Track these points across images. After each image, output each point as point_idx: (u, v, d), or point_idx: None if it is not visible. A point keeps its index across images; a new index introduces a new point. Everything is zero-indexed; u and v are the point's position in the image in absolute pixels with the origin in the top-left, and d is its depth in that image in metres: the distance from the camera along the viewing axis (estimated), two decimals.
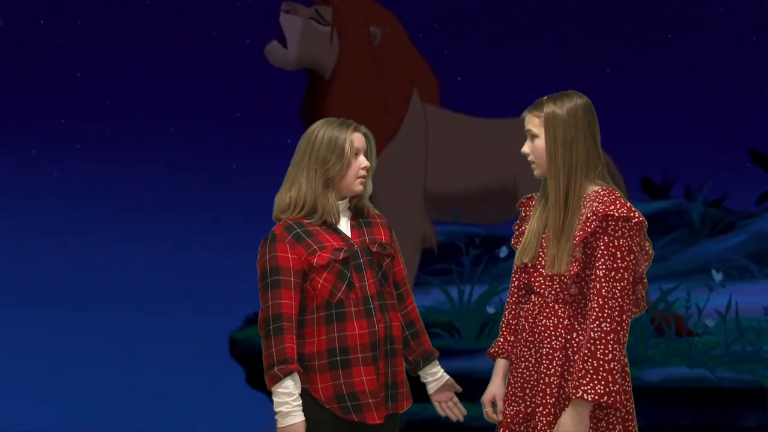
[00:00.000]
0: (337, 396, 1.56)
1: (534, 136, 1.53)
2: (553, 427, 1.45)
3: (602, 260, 1.43)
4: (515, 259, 1.60)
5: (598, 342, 1.42)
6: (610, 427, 1.49)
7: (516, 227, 1.68)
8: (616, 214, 1.44)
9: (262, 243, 1.60)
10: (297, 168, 1.64)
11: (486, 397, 1.60)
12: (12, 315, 3.74)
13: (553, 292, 1.54)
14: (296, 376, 1.51)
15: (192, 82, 4.02)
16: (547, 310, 1.55)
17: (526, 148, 1.56)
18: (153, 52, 3.97)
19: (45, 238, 3.91)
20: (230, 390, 3.81)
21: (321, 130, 1.65)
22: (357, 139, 1.63)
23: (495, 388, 1.60)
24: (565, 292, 1.52)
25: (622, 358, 1.44)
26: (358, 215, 1.70)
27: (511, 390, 1.57)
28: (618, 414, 1.49)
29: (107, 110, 4.01)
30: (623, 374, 1.46)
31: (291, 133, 3.14)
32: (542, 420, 1.49)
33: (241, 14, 4.08)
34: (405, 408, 1.67)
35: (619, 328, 1.43)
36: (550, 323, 1.53)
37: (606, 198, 1.47)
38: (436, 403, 1.72)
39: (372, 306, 1.60)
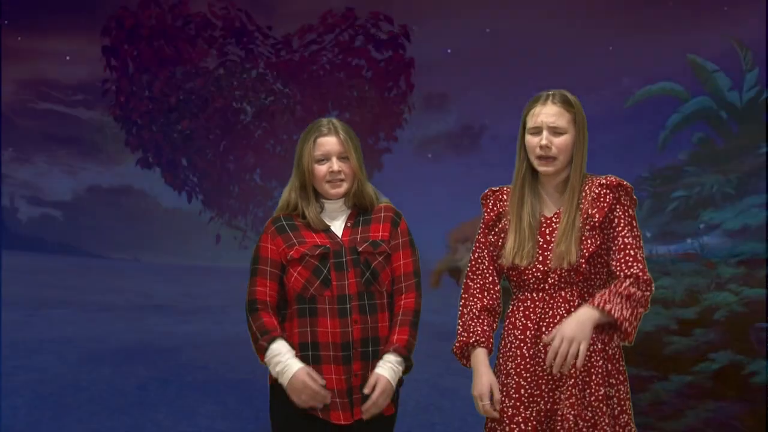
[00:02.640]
0: None
1: (561, 133, 1.50)
2: (580, 422, 1.45)
3: (626, 228, 1.50)
4: (505, 259, 1.53)
5: (635, 294, 1.45)
6: (621, 402, 1.52)
7: (490, 223, 1.60)
8: (625, 184, 1.52)
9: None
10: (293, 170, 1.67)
11: (483, 389, 1.51)
12: None
13: (559, 281, 1.53)
14: (280, 340, 1.55)
15: None
16: (553, 301, 1.53)
17: (547, 141, 1.49)
18: None
19: None
20: None
21: (304, 132, 1.66)
22: (323, 144, 1.60)
23: (489, 377, 1.52)
24: (573, 276, 1.51)
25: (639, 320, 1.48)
26: (360, 212, 1.67)
27: (525, 391, 1.50)
28: (625, 387, 1.53)
29: None
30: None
31: None
32: (569, 414, 1.46)
33: None
34: (390, 413, 1.63)
35: (649, 293, 1.48)
36: (562, 311, 1.51)
37: (599, 176, 1.55)
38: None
39: (348, 306, 1.56)
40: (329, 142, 1.60)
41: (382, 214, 1.67)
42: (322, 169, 1.60)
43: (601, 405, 1.47)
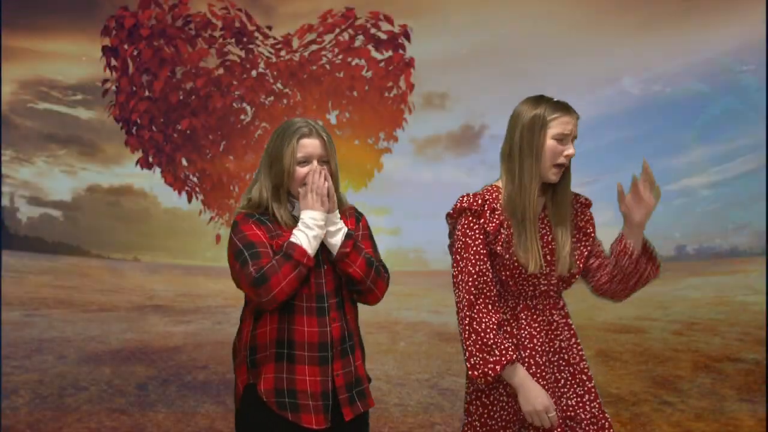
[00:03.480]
0: (276, 390, 1.49)
1: (574, 139, 1.53)
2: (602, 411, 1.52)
3: (594, 237, 1.61)
4: (529, 266, 1.48)
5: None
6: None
7: (494, 233, 1.52)
8: (591, 202, 1.64)
9: (229, 237, 1.54)
10: (258, 168, 1.61)
11: (547, 401, 1.43)
12: None
13: (557, 289, 1.57)
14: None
15: None
16: (555, 309, 1.56)
17: (573, 151, 1.50)
18: None
19: None
20: None
21: (277, 132, 1.58)
22: (306, 146, 1.54)
23: (542, 390, 1.45)
24: (566, 283, 1.57)
25: None
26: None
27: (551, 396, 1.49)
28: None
29: None
30: None
31: None
32: (588, 406, 1.51)
33: None
34: (372, 405, 1.57)
35: None
36: (560, 318, 1.56)
37: (575, 194, 1.62)
38: None
39: (326, 304, 1.52)
40: (312, 144, 1.54)
41: (347, 213, 1.65)
42: (302, 171, 1.54)
43: (593, 391, 1.56)
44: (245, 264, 1.46)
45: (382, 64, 4.66)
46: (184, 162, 4.68)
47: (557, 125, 1.48)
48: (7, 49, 4.98)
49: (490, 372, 1.42)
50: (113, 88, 4.71)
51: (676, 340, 6.25)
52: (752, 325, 7.18)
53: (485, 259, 1.49)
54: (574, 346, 1.55)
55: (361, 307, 1.67)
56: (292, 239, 1.48)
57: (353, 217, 1.66)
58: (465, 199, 1.54)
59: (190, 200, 4.87)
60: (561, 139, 1.48)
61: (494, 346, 1.43)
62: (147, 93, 4.56)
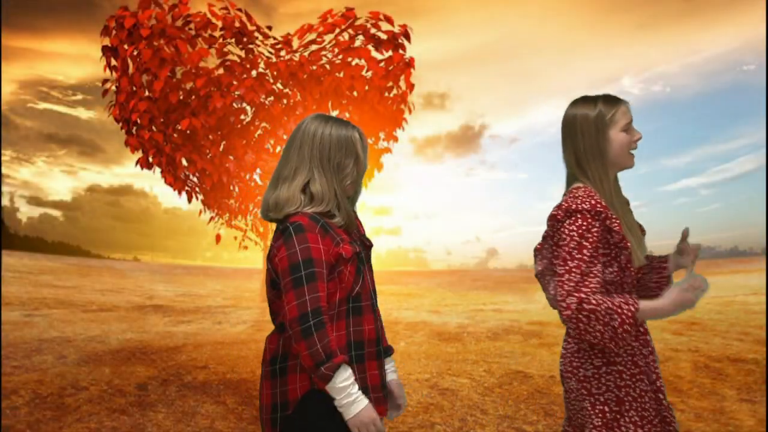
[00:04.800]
0: (361, 389, 1.53)
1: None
2: None
3: None
4: (637, 261, 1.55)
5: None
6: None
7: (607, 237, 1.53)
8: None
9: (283, 234, 1.49)
10: (301, 164, 1.56)
11: (694, 281, 1.47)
12: None
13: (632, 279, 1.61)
14: (344, 366, 1.44)
15: None
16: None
17: (640, 134, 1.59)
18: None
19: None
20: None
21: (326, 127, 1.57)
22: (362, 139, 1.61)
23: (673, 296, 1.48)
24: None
25: None
26: None
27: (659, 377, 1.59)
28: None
29: None
30: None
31: None
32: None
33: None
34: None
35: None
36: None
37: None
38: None
39: (373, 300, 1.61)
40: (364, 138, 1.63)
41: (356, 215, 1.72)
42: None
43: None
44: (308, 281, 1.44)
45: (382, 64, 4.66)
46: (184, 162, 4.68)
47: (622, 117, 1.57)
48: (7, 49, 4.99)
49: (627, 325, 1.41)
50: (113, 88, 4.70)
51: (676, 340, 6.25)
52: (752, 325, 7.20)
53: (597, 261, 1.48)
54: (650, 340, 1.62)
55: None
56: (340, 381, 1.44)
57: (360, 224, 1.72)
58: (579, 200, 1.52)
59: (190, 200, 4.87)
60: (627, 129, 1.57)
61: (618, 304, 1.43)
62: (147, 93, 4.56)
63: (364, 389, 1.53)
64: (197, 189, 4.86)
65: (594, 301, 1.42)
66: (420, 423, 3.70)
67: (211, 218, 4.96)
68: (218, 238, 5.03)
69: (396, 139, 4.91)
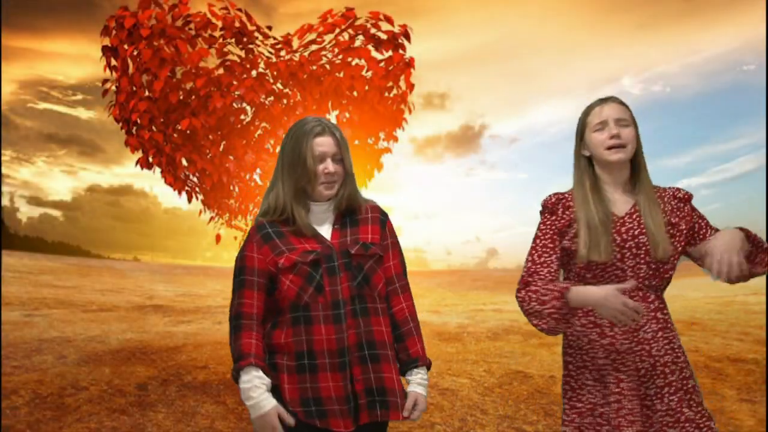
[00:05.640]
0: (302, 400, 1.52)
1: (627, 125, 1.64)
2: (692, 413, 1.57)
3: (708, 227, 1.65)
4: (580, 257, 1.61)
5: None
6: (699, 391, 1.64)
7: (563, 230, 1.66)
8: (691, 195, 1.67)
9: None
10: (275, 173, 1.61)
11: (618, 292, 1.51)
12: None
13: (653, 284, 1.62)
14: (251, 369, 1.50)
15: None
16: (646, 302, 1.62)
17: (617, 130, 1.63)
18: None
19: None
20: None
21: (291, 134, 1.60)
22: (320, 144, 1.56)
23: (605, 288, 1.55)
24: (653, 274, 1.61)
25: None
26: (346, 214, 1.63)
27: (625, 384, 1.60)
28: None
29: None
30: None
31: None
32: (682, 408, 1.58)
33: None
34: (398, 418, 1.56)
35: None
36: (646, 311, 1.62)
37: (664, 188, 1.69)
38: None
39: (342, 311, 1.52)
40: (326, 143, 1.56)
41: (370, 215, 1.64)
42: (318, 169, 1.57)
43: (693, 396, 1.60)
44: (237, 288, 1.58)
45: (382, 64, 4.66)
46: (184, 162, 4.68)
47: (593, 118, 1.66)
48: (7, 49, 5.00)
49: (559, 293, 1.54)
50: (113, 88, 4.70)
51: None
52: (752, 325, 7.20)
53: (551, 252, 1.64)
54: (661, 339, 1.60)
55: None
56: (242, 384, 1.51)
57: (377, 223, 1.64)
58: (547, 197, 1.70)
59: (190, 200, 4.87)
60: (599, 128, 1.64)
61: (548, 290, 1.57)
62: (147, 93, 4.55)
63: (316, 400, 1.50)
64: (197, 189, 4.86)
65: (535, 286, 1.59)
66: (420, 423, 3.70)
67: (211, 218, 4.95)
68: (218, 238, 5.03)
69: (396, 139, 4.91)
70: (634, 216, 1.64)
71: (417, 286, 18.41)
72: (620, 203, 1.67)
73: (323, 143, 1.56)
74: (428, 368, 1.66)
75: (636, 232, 1.61)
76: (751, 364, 5.11)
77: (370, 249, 1.58)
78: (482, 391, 4.46)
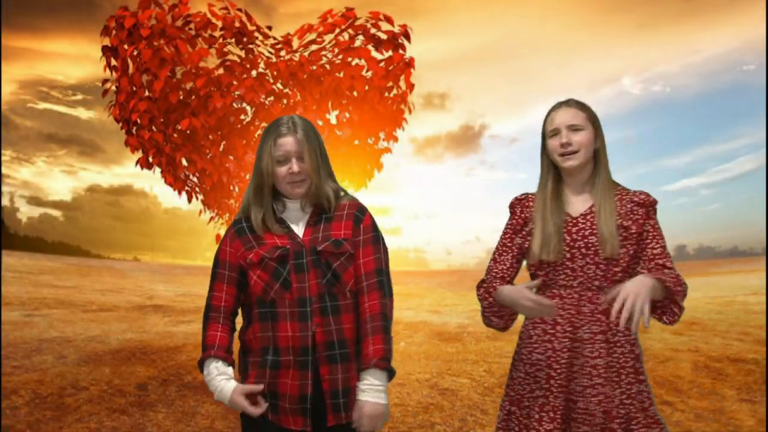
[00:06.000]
0: (261, 393, 1.53)
1: (579, 129, 1.66)
2: (608, 418, 1.57)
3: (655, 240, 1.64)
4: (532, 256, 1.67)
5: (683, 284, 1.62)
6: (649, 396, 1.63)
7: (518, 227, 1.74)
8: (653, 200, 1.66)
9: None
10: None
11: (531, 294, 1.61)
12: None
13: (586, 280, 1.63)
14: (211, 360, 1.54)
15: None
16: (583, 299, 1.63)
17: (567, 138, 1.66)
18: None
19: None
20: None
21: (264, 132, 1.63)
22: (282, 145, 1.56)
23: (520, 289, 1.66)
24: (602, 275, 1.61)
25: None
26: (322, 212, 1.62)
27: (555, 381, 1.64)
28: (647, 382, 1.70)
29: None
30: None
31: None
32: (597, 411, 1.58)
33: None
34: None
35: (685, 295, 1.70)
36: (588, 311, 1.63)
37: (628, 191, 1.69)
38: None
39: (309, 309, 1.51)
40: (287, 143, 1.56)
41: (345, 212, 1.62)
42: (282, 170, 1.57)
43: (634, 401, 1.58)
44: (211, 280, 1.65)
45: (382, 64, 4.66)
46: (184, 162, 4.67)
47: (548, 125, 1.70)
48: (7, 49, 5.01)
49: (491, 291, 1.69)
50: (113, 88, 4.70)
51: (676, 340, 6.25)
52: (752, 325, 7.20)
53: (508, 250, 1.74)
54: (599, 341, 1.60)
55: None
56: (205, 376, 1.55)
57: (351, 219, 1.61)
58: (513, 198, 1.77)
59: (190, 200, 4.86)
60: (553, 135, 1.68)
61: (484, 286, 1.72)
62: (147, 93, 4.55)
63: (273, 395, 1.51)
64: (197, 189, 4.86)
65: (484, 284, 1.72)
66: (420, 423, 3.70)
67: (211, 218, 4.95)
68: (218, 238, 5.01)
69: (396, 139, 4.90)
70: (588, 217, 1.65)
71: (417, 286, 18.39)
72: (578, 204, 1.69)
73: (285, 143, 1.57)
74: (389, 373, 1.53)
75: (587, 233, 1.63)
76: (751, 364, 5.12)
77: (341, 246, 1.56)
78: (482, 391, 4.46)
